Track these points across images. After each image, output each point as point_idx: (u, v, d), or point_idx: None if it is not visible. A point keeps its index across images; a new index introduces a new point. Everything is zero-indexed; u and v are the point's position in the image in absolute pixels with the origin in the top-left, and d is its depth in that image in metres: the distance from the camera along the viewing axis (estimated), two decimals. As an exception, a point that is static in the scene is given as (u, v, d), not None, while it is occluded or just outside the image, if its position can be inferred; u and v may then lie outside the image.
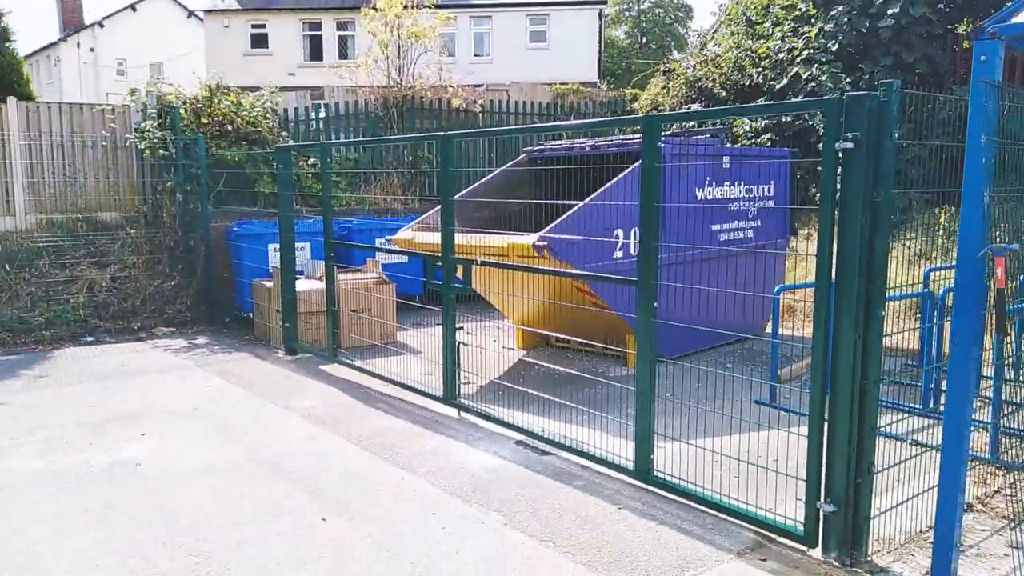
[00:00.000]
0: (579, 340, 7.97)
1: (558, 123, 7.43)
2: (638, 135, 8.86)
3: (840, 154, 3.38)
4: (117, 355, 8.33)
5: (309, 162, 11.58)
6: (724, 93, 13.15)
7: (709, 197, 7.84)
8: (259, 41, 26.86)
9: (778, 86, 12.00)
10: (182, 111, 10.80)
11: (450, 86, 12.57)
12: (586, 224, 6.57)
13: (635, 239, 7.09)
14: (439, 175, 5.70)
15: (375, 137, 12.27)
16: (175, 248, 10.69)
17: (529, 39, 26.20)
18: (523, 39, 26.00)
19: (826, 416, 3.53)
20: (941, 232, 9.16)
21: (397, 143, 12.21)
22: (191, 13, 36.62)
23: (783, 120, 11.60)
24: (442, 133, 5.81)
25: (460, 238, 6.75)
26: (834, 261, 3.47)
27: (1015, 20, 3.08)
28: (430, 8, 12.97)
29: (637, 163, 7.15)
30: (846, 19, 10.81)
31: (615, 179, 6.87)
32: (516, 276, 6.77)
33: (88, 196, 11.26)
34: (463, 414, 5.86)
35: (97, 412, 6.18)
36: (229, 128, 10.96)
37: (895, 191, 3.37)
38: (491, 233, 6.72)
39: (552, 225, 6.36)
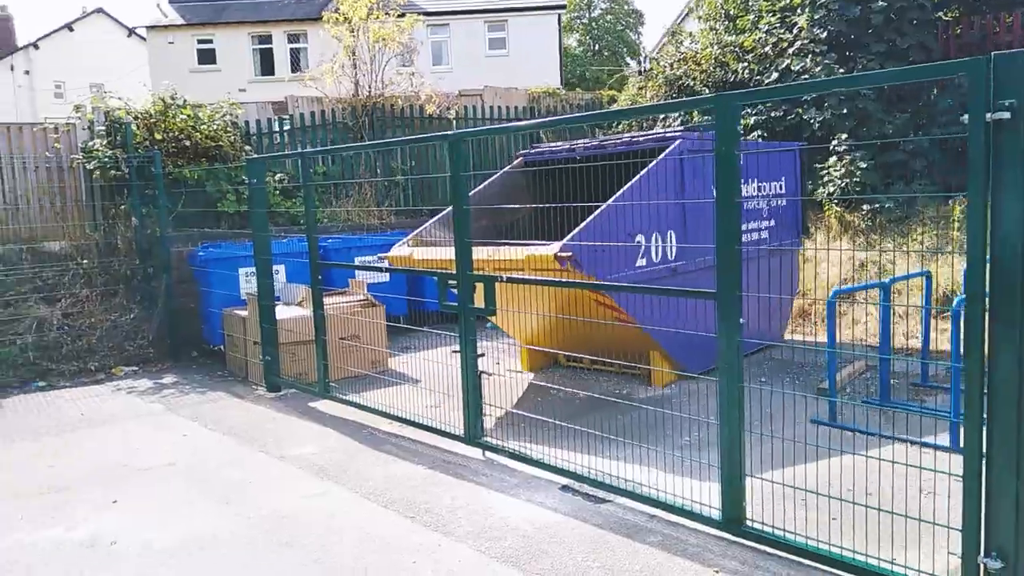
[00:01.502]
0: (592, 358, 7.31)
1: (591, 113, 6.69)
2: (650, 133, 8.26)
3: (991, 127, 2.75)
4: (75, 402, 7.36)
5: (276, 177, 10.72)
6: (707, 90, 12.64)
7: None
8: (206, 57, 25.75)
9: (767, 80, 11.52)
10: (134, 127, 9.85)
11: (423, 93, 11.81)
12: (607, 230, 5.89)
13: (661, 243, 6.44)
14: (450, 180, 4.95)
15: (358, 143, 11.40)
16: (132, 277, 9.72)
17: (489, 46, 25.58)
18: (483, 47, 25.38)
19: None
20: (956, 225, 8.71)
21: (389, 148, 11.31)
22: (132, 31, 35.18)
23: (773, 116, 11.12)
24: (451, 133, 5.08)
25: (444, 252, 6.03)
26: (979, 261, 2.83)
27: None
28: (395, 13, 12.21)
29: (660, 158, 6.55)
30: (836, 6, 10.37)
31: (636, 178, 6.21)
32: (523, 290, 6.06)
33: (32, 224, 10.23)
34: (489, 454, 5.10)
35: (58, 474, 5.27)
36: (187, 144, 10.04)
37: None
38: (502, 245, 6.00)
39: (574, 232, 5.66)
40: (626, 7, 51.75)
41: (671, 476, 4.33)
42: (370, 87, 11.85)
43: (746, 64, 11.91)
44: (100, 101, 10.20)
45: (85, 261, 9.64)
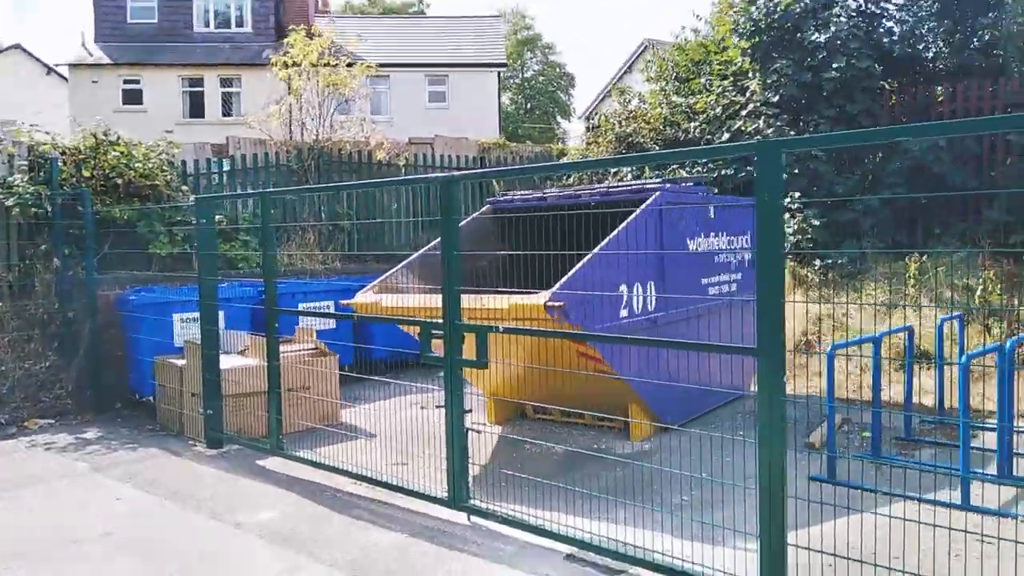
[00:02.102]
0: (563, 410, 6.96)
1: (596, 160, 6.45)
2: (625, 184, 8.11)
3: None
4: (-19, 461, 6.49)
5: (216, 218, 10.07)
6: (657, 147, 12.78)
7: (699, 249, 7.13)
8: (132, 97, 24.77)
9: (717, 140, 11.71)
10: (60, 163, 9.11)
11: (373, 139, 11.46)
12: (592, 280, 5.62)
13: (642, 294, 6.20)
14: (442, 224, 4.60)
15: (332, 184, 10.83)
16: (49, 322, 8.84)
17: (428, 99, 25.56)
18: (423, 98, 25.34)
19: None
20: (911, 282, 8.86)
21: (354, 190, 10.73)
22: (51, 69, 33.67)
23: (723, 173, 11.25)
24: (443, 176, 4.74)
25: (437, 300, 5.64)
26: None
27: None
28: (344, 61, 11.88)
29: (643, 208, 6.37)
30: (789, 71, 10.66)
31: (621, 227, 6.00)
32: (494, 340, 5.69)
33: (-65, 263, 9.25)
34: (475, 519, 4.64)
35: (-35, 548, 4.51)
36: (119, 182, 9.34)
37: None
38: (480, 293, 5.64)
39: (563, 281, 5.36)
40: (558, 70, 53.16)
41: (680, 540, 3.98)
42: (317, 131, 11.43)
43: (697, 124, 12.10)
44: (24, 135, 9.43)
45: (-1, 304, 8.74)
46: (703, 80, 12.39)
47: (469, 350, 4.64)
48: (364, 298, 6.24)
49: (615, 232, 5.96)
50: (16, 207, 8.82)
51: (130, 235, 9.41)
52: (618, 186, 7.02)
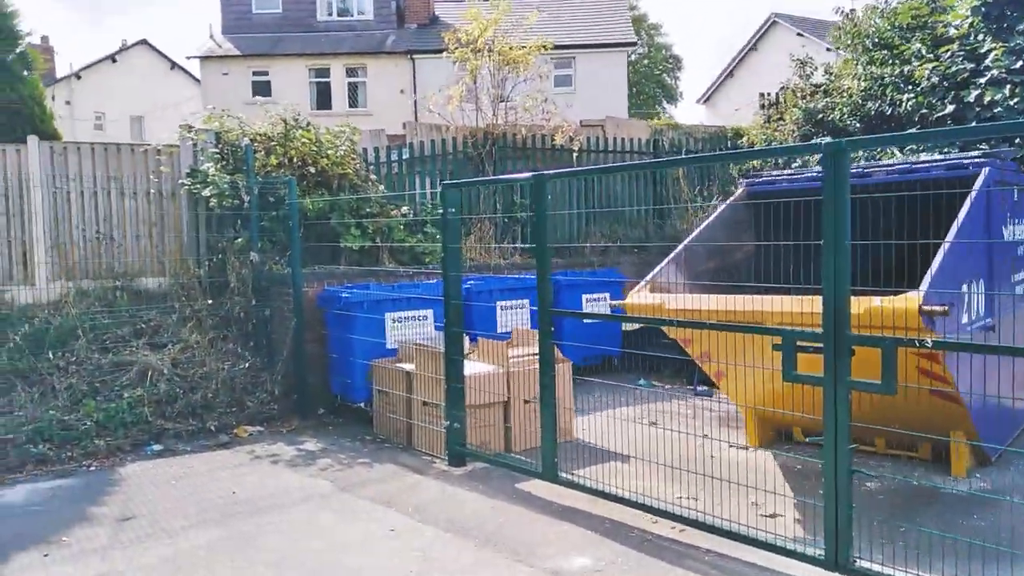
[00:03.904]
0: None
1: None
2: (935, 160, 7.00)
3: None
4: (212, 474, 6.01)
5: (402, 211, 9.49)
6: (858, 124, 11.48)
7: (1014, 238, 5.98)
8: (262, 89, 24.82)
9: (939, 114, 10.33)
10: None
11: (554, 122, 10.64)
12: (950, 275, 4.61)
13: (978, 293, 5.14)
14: (826, 211, 3.67)
15: (623, 164, 10.38)
16: (246, 320, 8.42)
17: (554, 83, 24.67)
18: (547, 83, 24.48)
19: None
20: None
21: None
22: (174, 64, 34.54)
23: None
24: (830, 140, 3.81)
25: (744, 301, 4.75)
26: None
27: None
28: (519, 40, 11.05)
29: (976, 190, 5.30)
30: (1038, 32, 9.23)
31: (963, 214, 4.94)
32: (759, 345, 4.76)
33: (127, 258, 9.01)
34: (865, 583, 3.72)
35: (260, 593, 3.91)
36: (311, 170, 8.83)
37: None
38: (783, 293, 4.71)
39: (930, 278, 4.37)
40: (664, 52, 51.34)
41: None
42: (494, 113, 10.69)
43: (912, 96, 10.73)
44: (214, 120, 9.04)
45: (192, 301, 8.37)
46: (915, 47, 10.99)
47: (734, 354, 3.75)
48: (640, 299, 5.39)
49: (961, 216, 4.91)
50: (213, 198, 8.42)
51: (316, 227, 8.90)
52: (925, 162, 5.93)
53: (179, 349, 7.96)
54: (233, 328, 8.39)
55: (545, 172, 5.24)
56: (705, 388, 8.37)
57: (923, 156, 9.82)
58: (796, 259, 5.98)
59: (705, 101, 34.88)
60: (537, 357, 6.81)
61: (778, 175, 6.64)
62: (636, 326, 9.15)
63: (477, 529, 4.68)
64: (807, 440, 5.43)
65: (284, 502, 5.32)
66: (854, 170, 6.50)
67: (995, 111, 9.55)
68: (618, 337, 9.30)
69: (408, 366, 6.72)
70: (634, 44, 25.72)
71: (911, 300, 4.19)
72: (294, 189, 7.91)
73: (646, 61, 51.05)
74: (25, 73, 9.31)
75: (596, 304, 9.40)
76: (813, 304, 4.02)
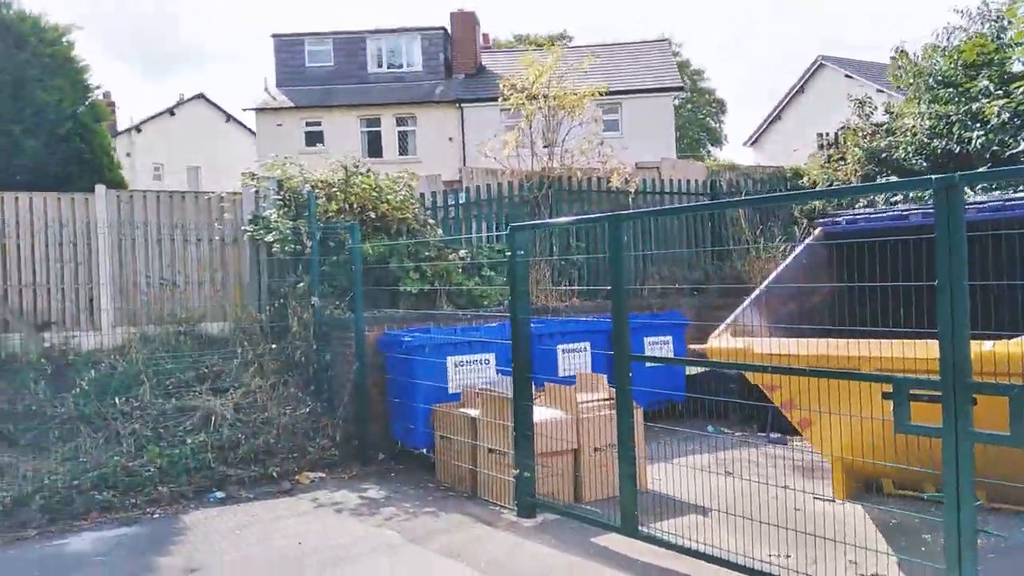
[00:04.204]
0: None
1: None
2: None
3: None
4: (277, 523, 5.87)
5: (460, 254, 9.42)
6: (924, 163, 11.19)
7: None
8: (314, 138, 25.42)
9: (1012, 151, 10.00)
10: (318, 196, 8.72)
11: (610, 165, 10.56)
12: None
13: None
14: (945, 247, 3.45)
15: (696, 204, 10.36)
16: (306, 365, 8.38)
17: (602, 128, 24.77)
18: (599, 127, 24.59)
19: None
20: None
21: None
22: (230, 117, 35.63)
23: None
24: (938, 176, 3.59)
25: (840, 346, 4.50)
26: None
27: None
28: (572, 87, 11.04)
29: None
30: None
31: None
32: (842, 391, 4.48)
33: (190, 303, 9.08)
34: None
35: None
36: (372, 215, 8.85)
37: None
38: (892, 337, 4.44)
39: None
40: (708, 96, 51.42)
41: None
42: (550, 157, 10.66)
43: (982, 133, 10.42)
44: (276, 168, 9.16)
45: (256, 347, 8.36)
46: (982, 84, 10.72)
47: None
48: (722, 343, 5.17)
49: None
50: (276, 243, 8.46)
51: (374, 272, 8.87)
52: (1018, 199, 5.65)
53: (241, 394, 7.91)
54: (294, 373, 8.35)
55: (621, 212, 5.10)
56: (778, 435, 8.04)
57: (995, 194, 9.47)
58: (882, 301, 5.73)
59: (752, 143, 34.65)
60: (606, 403, 6.65)
61: (857, 215, 6.40)
62: (700, 370, 8.88)
63: (558, 586, 4.44)
64: (925, 497, 5.08)
65: (352, 554, 5.14)
66: (891, 213, 6.25)
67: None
68: (682, 382, 9.03)
69: (473, 411, 6.55)
70: (681, 88, 25.74)
71: (1031, 342, 3.91)
72: (356, 233, 7.90)
73: (689, 106, 51.15)
74: (95, 124, 9.55)
75: (658, 347, 9.16)
76: (927, 350, 3.77)
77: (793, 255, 6.19)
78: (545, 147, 10.53)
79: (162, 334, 8.68)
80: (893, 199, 10.39)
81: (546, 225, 8.68)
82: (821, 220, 6.64)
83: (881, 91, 26.43)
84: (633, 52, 27.83)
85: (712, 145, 50.73)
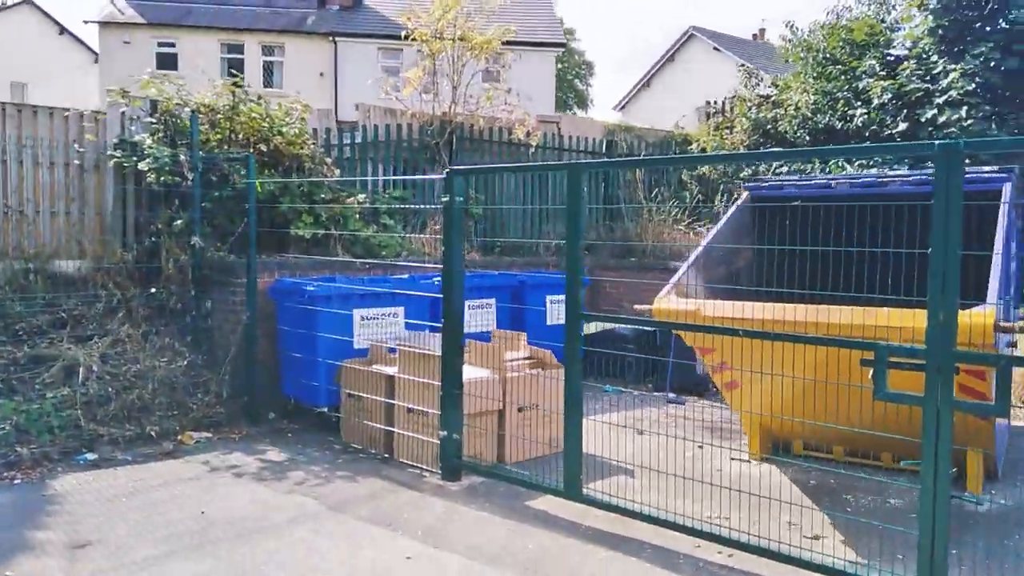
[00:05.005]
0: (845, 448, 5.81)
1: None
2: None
3: None
4: (166, 488, 5.19)
5: (359, 198, 8.76)
6: (807, 137, 11.67)
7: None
8: (167, 62, 23.08)
9: (891, 131, 10.60)
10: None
11: (515, 115, 10.16)
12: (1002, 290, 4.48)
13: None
14: (942, 215, 3.39)
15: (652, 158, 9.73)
16: (184, 313, 7.52)
17: (482, 78, 24.18)
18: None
19: None
20: None
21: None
22: (64, 30, 31.72)
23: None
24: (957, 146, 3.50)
25: (798, 311, 4.48)
26: None
27: None
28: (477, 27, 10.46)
29: (1005, 203, 5.24)
30: (994, 57, 9.56)
31: (1001, 224, 4.86)
32: (767, 351, 4.56)
33: (40, 236, 7.89)
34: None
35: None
36: (263, 148, 8.00)
37: None
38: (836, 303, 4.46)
39: (994, 292, 4.21)
40: (577, 57, 51.73)
41: None
42: (454, 101, 10.11)
43: (864, 111, 10.96)
44: (151, 86, 8.04)
45: (123, 290, 7.39)
46: (867, 64, 11.25)
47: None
48: (672, 305, 5.01)
49: (999, 230, 4.81)
50: (151, 172, 7.46)
51: (264, 212, 8.06)
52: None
53: (108, 343, 6.98)
54: (168, 321, 7.48)
55: (581, 162, 4.77)
56: (674, 395, 8.17)
57: (873, 171, 9.98)
58: (800, 264, 5.79)
59: (621, 108, 35.32)
60: (528, 361, 6.41)
61: (783, 181, 6.45)
62: (597, 328, 8.84)
63: (510, 558, 4.16)
64: (901, 465, 5.20)
65: (268, 524, 4.61)
66: (864, 178, 6.41)
67: (949, 130, 9.85)
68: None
69: (389, 369, 6.09)
70: (564, 45, 25.58)
71: (989, 315, 4.00)
72: (252, 166, 7.10)
73: (560, 65, 51.19)
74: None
75: (558, 305, 9.05)
76: (903, 318, 3.76)
77: (724, 218, 6.14)
78: (454, 88, 9.94)
79: (6, 270, 7.48)
80: (779, 169, 10.75)
81: (490, 170, 8.19)
82: (748, 185, 6.64)
83: (743, 66, 27.68)
84: (517, 4, 27.26)
85: (578, 107, 51.24)
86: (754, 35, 36.09)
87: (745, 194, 6.52)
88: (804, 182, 6.31)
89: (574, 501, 4.77)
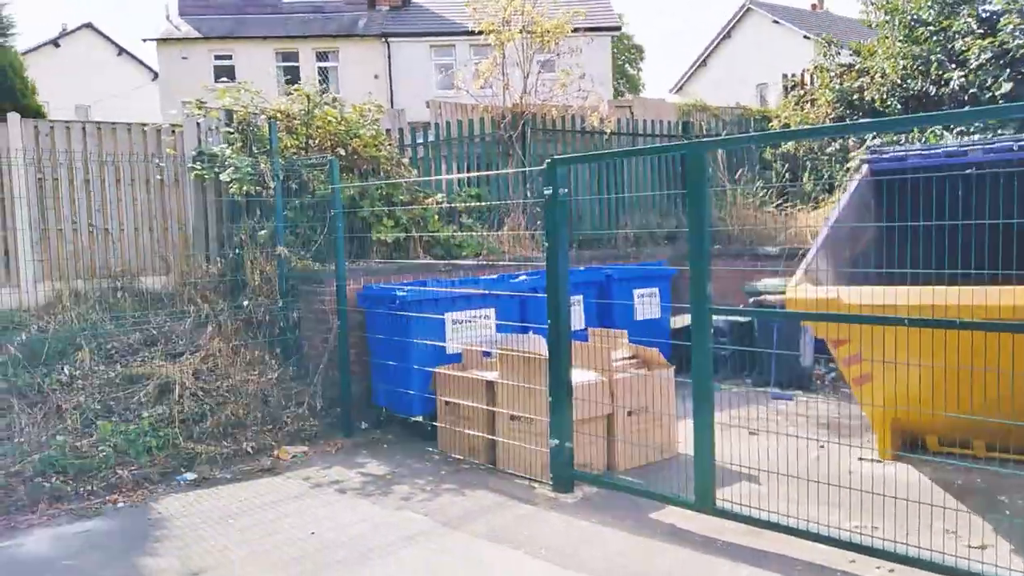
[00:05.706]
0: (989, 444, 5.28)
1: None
2: None
3: None
4: (272, 508, 5.02)
5: (437, 198, 8.53)
6: (899, 105, 10.97)
7: None
8: (224, 73, 23.35)
9: (995, 92, 9.85)
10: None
11: (589, 103, 9.78)
12: None
13: None
14: None
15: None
16: (271, 325, 7.39)
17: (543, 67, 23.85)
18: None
19: None
20: None
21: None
22: (122, 50, 32.50)
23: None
24: None
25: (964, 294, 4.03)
26: None
27: None
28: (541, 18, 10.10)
29: None
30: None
31: None
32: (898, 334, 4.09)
33: (125, 254, 7.87)
34: None
35: None
36: (341, 152, 7.82)
37: None
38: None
39: None
40: (626, 42, 50.83)
41: None
42: (525, 90, 9.79)
43: (962, 73, 10.23)
44: (228, 94, 7.94)
45: (211, 304, 7.30)
46: (962, 22, 10.49)
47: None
48: (810, 293, 4.60)
49: None
50: (233, 183, 7.34)
51: (347, 218, 7.87)
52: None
53: (199, 359, 6.89)
54: (256, 334, 7.35)
55: (703, 140, 4.40)
56: (778, 391, 7.70)
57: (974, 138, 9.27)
58: (937, 242, 5.30)
59: (678, 90, 34.49)
60: (633, 361, 6.05)
61: (907, 151, 5.93)
62: (684, 323, 8.43)
63: (645, 578, 3.84)
64: None
65: (382, 544, 4.38)
66: (997, 145, 5.85)
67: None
68: (666, 334, 8.58)
69: (487, 374, 5.82)
70: (619, 28, 24.99)
71: None
72: (336, 172, 6.89)
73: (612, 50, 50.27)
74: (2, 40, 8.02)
75: (647, 299, 8.68)
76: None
77: (847, 194, 5.66)
78: (525, 78, 9.63)
79: (96, 290, 7.47)
80: (871, 142, 10.12)
81: (595, 157, 7.88)
82: (867, 158, 6.14)
83: (807, 38, 26.56)
84: (565, -10, 26.80)
85: (630, 93, 50.33)
86: (813, 5, 34.79)
87: (864, 167, 6.01)
88: (930, 151, 5.78)
89: (707, 514, 4.41)
